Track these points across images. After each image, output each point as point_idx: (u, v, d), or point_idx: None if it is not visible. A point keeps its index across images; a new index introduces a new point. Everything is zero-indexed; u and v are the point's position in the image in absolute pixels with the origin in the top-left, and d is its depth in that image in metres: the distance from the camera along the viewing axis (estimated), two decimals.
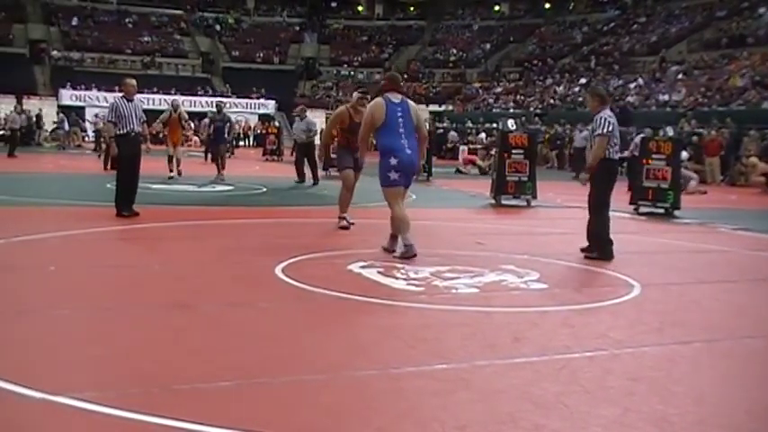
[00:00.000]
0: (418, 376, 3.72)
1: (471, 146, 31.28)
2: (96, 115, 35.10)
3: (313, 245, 7.41)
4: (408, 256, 6.84)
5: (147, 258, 6.90)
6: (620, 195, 9.87)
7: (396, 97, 7.21)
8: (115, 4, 50.10)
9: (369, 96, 8.86)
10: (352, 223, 8.83)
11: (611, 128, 7.47)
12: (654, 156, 12.15)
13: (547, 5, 51.64)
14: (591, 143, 7.76)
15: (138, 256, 7.05)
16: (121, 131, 9.31)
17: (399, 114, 7.12)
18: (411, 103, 7.39)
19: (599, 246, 7.52)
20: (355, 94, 9.16)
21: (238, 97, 43.33)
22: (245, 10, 54.59)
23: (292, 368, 3.79)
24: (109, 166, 14.77)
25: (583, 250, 7.73)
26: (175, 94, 40.95)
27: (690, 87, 30.54)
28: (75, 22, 47.56)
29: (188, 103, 40.82)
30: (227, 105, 41.57)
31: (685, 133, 21.54)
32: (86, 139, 32.84)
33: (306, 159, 16.17)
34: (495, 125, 23.41)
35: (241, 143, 38.01)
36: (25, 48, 43.70)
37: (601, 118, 7.54)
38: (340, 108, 9.52)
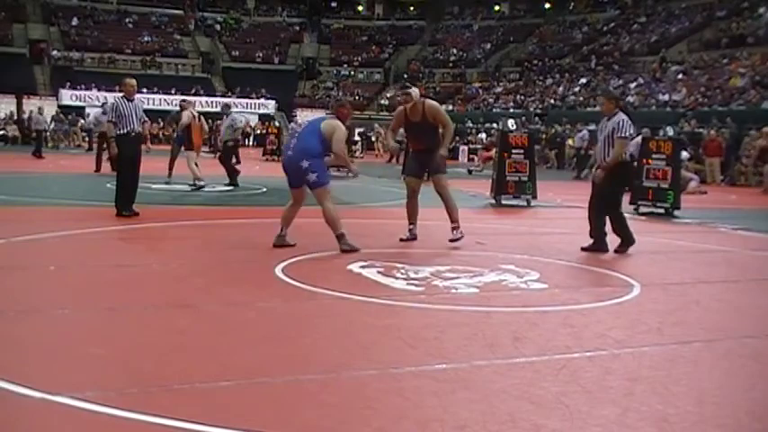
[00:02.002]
0: (418, 376, 3.72)
1: (471, 146, 31.29)
2: (89, 115, 35.16)
3: (313, 245, 7.41)
4: (275, 244, 7.29)
5: (147, 258, 6.90)
6: None
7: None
8: (115, 4, 50.11)
9: (409, 92, 8.03)
10: (413, 237, 8.20)
11: (632, 131, 7.90)
12: (654, 156, 12.15)
13: (547, 5, 51.60)
14: (606, 145, 7.91)
15: (138, 256, 7.05)
16: (121, 131, 9.31)
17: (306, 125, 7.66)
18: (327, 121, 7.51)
19: (626, 238, 7.95)
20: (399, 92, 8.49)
21: (238, 97, 43.35)
22: (245, 10, 54.57)
23: (292, 368, 3.79)
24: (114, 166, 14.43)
25: (584, 249, 7.89)
26: (175, 93, 41.02)
27: (690, 87, 30.55)
28: (75, 21, 47.53)
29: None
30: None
31: (684, 134, 21.58)
32: (86, 139, 32.85)
33: (225, 158, 14.76)
34: (495, 125, 23.38)
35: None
36: (25, 47, 43.68)
37: (622, 121, 7.82)
38: (399, 108, 8.73)
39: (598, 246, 7.87)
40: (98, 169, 17.21)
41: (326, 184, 7.35)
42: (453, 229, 7.97)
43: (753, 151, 20.90)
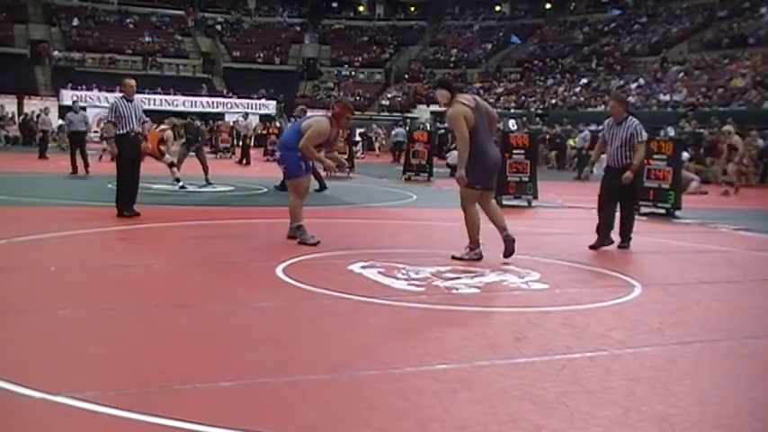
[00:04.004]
0: (419, 376, 3.72)
1: None
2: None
3: (313, 245, 7.40)
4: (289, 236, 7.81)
5: (148, 258, 6.89)
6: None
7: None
8: (116, 5, 50.16)
9: (436, 93, 7.22)
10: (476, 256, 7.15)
11: (646, 134, 8.39)
12: (655, 156, 12.14)
13: (548, 5, 51.65)
14: (623, 149, 8.09)
15: (138, 256, 7.04)
16: (121, 131, 9.31)
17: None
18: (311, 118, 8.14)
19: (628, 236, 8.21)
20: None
21: (239, 98, 43.36)
22: (245, 10, 54.62)
23: (292, 368, 3.78)
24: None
25: (592, 246, 8.00)
26: (176, 94, 41.04)
27: (691, 87, 30.57)
28: (76, 22, 47.57)
29: (189, 104, 40.94)
30: (228, 105, 41.84)
31: (684, 134, 21.51)
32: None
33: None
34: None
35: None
36: (26, 48, 43.72)
37: (637, 126, 8.13)
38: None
39: (604, 241, 8.01)
40: (74, 171, 16.58)
41: (296, 177, 7.72)
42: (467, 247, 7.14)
43: (753, 151, 20.78)
